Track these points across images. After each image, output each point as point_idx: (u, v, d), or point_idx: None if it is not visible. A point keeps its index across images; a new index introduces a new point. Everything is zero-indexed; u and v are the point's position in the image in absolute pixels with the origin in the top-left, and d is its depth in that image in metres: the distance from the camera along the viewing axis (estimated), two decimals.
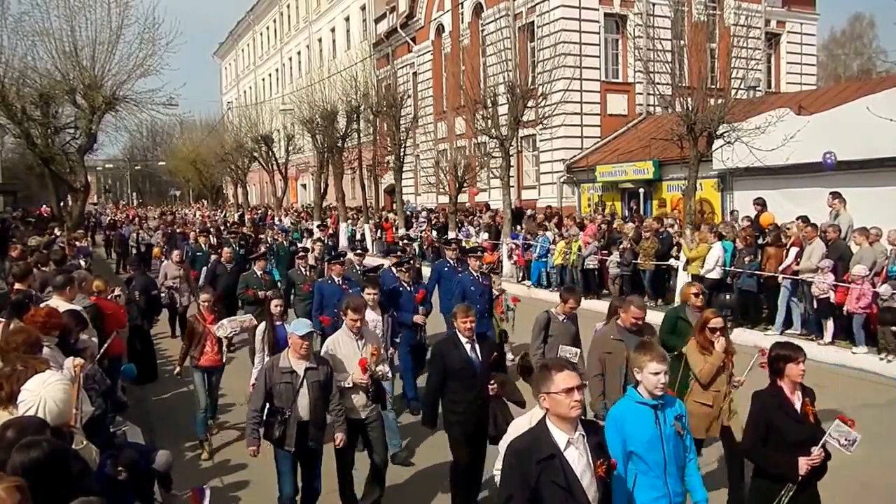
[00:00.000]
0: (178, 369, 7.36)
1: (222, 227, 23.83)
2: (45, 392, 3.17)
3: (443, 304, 9.30)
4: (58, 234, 16.29)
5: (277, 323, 6.58)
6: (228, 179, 40.69)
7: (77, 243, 15.12)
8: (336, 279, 8.60)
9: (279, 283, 10.99)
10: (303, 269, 10.48)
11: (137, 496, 4.51)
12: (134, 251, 20.25)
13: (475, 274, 8.83)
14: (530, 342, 6.47)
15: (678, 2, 18.57)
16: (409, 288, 8.49)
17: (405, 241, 18.36)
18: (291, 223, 26.30)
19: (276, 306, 6.67)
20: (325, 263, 11.60)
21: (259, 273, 10.27)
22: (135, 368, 7.68)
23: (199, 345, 6.97)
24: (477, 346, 5.20)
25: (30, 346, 4.09)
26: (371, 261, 14.67)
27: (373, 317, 6.56)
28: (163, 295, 11.13)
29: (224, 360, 7.17)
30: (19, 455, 2.57)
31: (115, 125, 19.95)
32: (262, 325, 6.70)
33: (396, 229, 23.18)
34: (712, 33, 18.28)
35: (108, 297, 8.06)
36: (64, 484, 2.66)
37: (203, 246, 14.85)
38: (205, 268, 12.57)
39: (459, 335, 5.21)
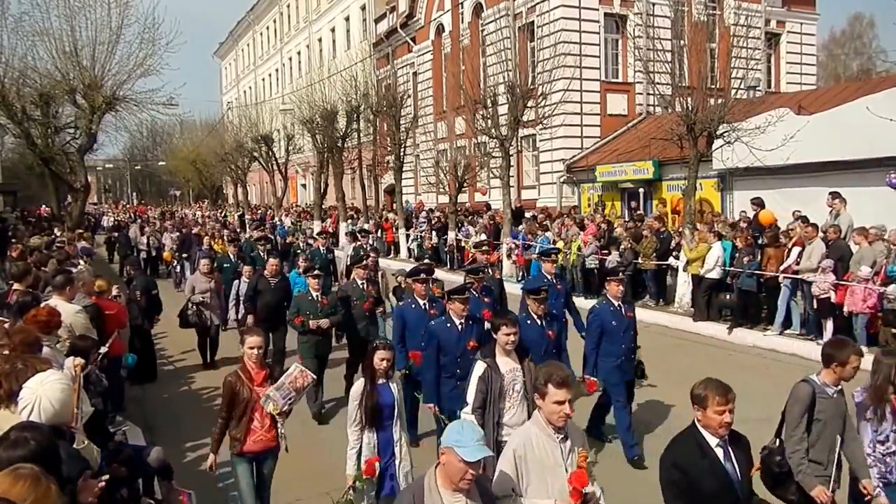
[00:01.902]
0: (212, 459, 4.84)
1: (239, 230, 22.85)
2: (43, 391, 3.16)
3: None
4: (58, 234, 16.29)
5: (381, 381, 4.63)
6: (228, 179, 40.70)
7: (83, 243, 15.12)
8: (421, 302, 6.76)
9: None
10: (358, 283, 8.50)
11: (142, 491, 4.53)
12: (144, 254, 19.56)
13: (616, 303, 6.58)
14: (785, 429, 4.09)
15: (678, 2, 18.60)
16: (538, 322, 6.10)
17: (483, 248, 12.36)
18: (292, 223, 26.26)
19: (383, 360, 4.58)
20: (380, 277, 10.35)
21: (315, 295, 8.01)
22: (135, 357, 7.74)
23: (242, 418, 4.67)
24: (731, 452, 3.28)
25: (28, 345, 4.09)
26: (444, 275, 12.15)
27: (510, 366, 4.72)
28: (190, 312, 10.01)
29: (280, 440, 4.80)
30: (5, 453, 2.57)
31: (115, 125, 20.02)
32: (359, 386, 4.64)
33: (396, 229, 23.18)
34: (712, 33, 18.28)
35: (109, 297, 8.07)
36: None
37: (231, 256, 12.84)
38: (236, 282, 10.41)
39: (705, 433, 3.26)
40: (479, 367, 4.69)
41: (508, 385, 4.62)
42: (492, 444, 4.21)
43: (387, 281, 10.41)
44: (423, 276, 6.94)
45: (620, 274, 7.06)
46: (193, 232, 20.02)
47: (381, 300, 9.34)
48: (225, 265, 12.11)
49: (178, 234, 19.78)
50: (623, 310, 6.60)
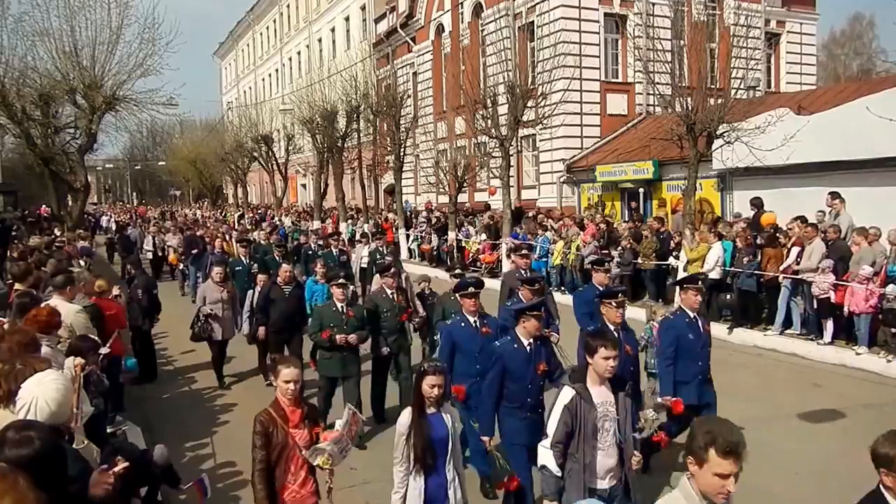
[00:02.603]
0: None
1: (247, 231, 22.25)
2: (40, 391, 3.15)
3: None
4: (58, 234, 16.30)
5: (431, 411, 3.98)
6: (228, 179, 40.74)
7: (83, 243, 15.10)
8: (471, 319, 5.89)
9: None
10: (388, 292, 7.57)
11: (145, 496, 4.52)
12: (150, 256, 19.02)
13: (692, 314, 5.77)
14: None
15: (678, 2, 18.61)
16: (616, 334, 5.11)
17: (522, 252, 9.26)
18: (292, 223, 26.25)
19: (434, 387, 3.94)
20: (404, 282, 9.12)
21: (340, 306, 7.08)
22: (136, 361, 7.73)
23: (276, 467, 3.93)
24: None
25: (24, 346, 4.08)
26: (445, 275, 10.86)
27: (603, 398, 4.00)
28: (198, 325, 9.19)
29: (326, 496, 4.12)
30: (10, 451, 2.57)
31: (115, 125, 19.95)
32: (406, 417, 3.98)
33: (396, 229, 23.18)
34: (712, 33, 18.30)
35: (109, 297, 8.08)
36: (57, 482, 2.64)
37: (243, 258, 12.04)
38: (250, 292, 9.45)
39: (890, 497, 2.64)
40: (567, 394, 3.95)
41: (598, 421, 3.91)
42: (584, 492, 3.74)
43: (411, 286, 9.47)
44: (472, 290, 5.98)
45: (699, 283, 5.98)
46: (198, 234, 19.55)
47: (413, 308, 8.57)
48: (237, 268, 11.44)
49: (180, 235, 19.40)
50: (700, 323, 5.78)
